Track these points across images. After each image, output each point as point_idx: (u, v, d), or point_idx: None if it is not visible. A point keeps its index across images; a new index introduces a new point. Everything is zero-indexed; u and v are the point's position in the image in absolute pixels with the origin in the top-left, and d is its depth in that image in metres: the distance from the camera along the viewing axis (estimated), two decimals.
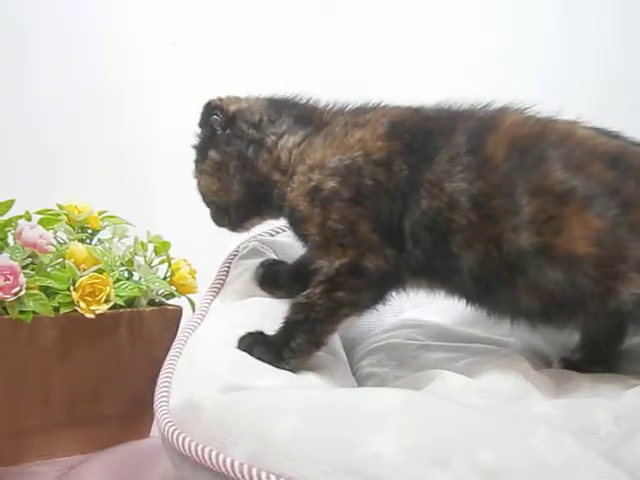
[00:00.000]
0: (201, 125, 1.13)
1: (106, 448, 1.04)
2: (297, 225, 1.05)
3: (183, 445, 0.77)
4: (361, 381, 1.08)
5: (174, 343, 0.98)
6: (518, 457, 0.66)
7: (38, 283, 1.03)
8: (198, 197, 1.14)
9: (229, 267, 1.18)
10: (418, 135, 1.01)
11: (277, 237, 1.27)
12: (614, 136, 1.02)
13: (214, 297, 1.12)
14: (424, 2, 1.90)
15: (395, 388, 0.91)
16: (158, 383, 0.89)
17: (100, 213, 1.25)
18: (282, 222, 1.27)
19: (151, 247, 1.21)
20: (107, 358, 1.10)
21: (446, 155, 0.98)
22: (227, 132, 1.09)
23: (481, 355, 1.07)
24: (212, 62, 1.78)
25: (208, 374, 0.87)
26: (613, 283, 0.93)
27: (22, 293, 0.99)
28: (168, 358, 0.95)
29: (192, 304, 1.21)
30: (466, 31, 1.87)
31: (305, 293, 0.98)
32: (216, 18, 1.82)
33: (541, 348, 1.17)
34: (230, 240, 1.22)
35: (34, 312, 1.02)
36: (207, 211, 1.15)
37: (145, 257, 1.18)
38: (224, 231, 1.15)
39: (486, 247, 0.95)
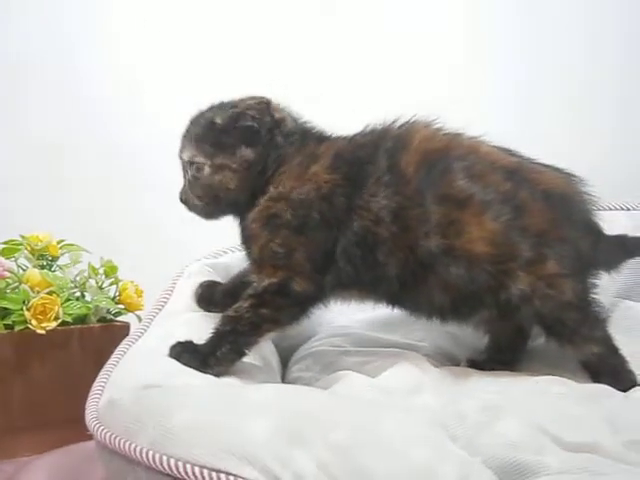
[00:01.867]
0: (241, 120, 1.11)
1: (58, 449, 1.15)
2: (245, 240, 1.14)
3: (103, 437, 0.89)
4: (289, 384, 1.19)
5: (113, 353, 1.10)
6: (366, 436, 0.78)
7: None
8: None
9: (174, 286, 1.30)
10: (354, 166, 1.10)
11: (220, 259, 1.38)
12: (513, 154, 1.15)
13: (157, 313, 1.23)
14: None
15: (275, 384, 1.02)
16: (92, 388, 1.00)
17: (59, 242, 1.38)
18: (224, 244, 1.40)
19: (102, 270, 1.35)
20: (60, 369, 1.23)
21: (373, 179, 1.09)
22: (268, 137, 1.12)
23: (390, 357, 1.18)
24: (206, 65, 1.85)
25: (133, 377, 0.98)
26: (504, 279, 1.07)
27: None
28: (105, 366, 1.06)
29: (140, 320, 1.34)
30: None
31: (235, 306, 1.07)
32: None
33: (451, 350, 1.28)
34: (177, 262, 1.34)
35: None
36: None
37: (96, 280, 1.31)
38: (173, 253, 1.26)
39: (405, 253, 1.08)
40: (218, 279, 1.31)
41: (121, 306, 1.34)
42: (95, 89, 1.80)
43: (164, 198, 1.62)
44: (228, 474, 0.75)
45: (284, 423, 0.80)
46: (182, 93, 1.75)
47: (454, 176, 1.08)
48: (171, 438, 0.81)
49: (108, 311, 1.34)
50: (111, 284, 1.37)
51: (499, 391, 1.04)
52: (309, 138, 1.15)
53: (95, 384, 1.02)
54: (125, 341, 1.13)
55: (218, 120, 1.11)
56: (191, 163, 1.12)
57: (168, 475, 0.79)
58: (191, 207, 1.14)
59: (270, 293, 1.07)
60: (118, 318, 1.36)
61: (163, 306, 1.25)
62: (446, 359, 1.25)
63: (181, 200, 1.15)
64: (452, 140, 1.13)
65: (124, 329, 1.33)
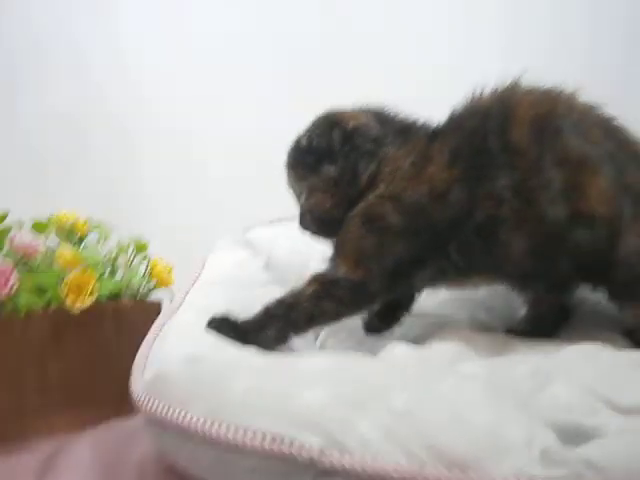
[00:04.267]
0: (315, 139, 1.13)
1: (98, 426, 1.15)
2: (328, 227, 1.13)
3: (154, 410, 0.87)
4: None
5: (152, 328, 1.09)
6: (427, 400, 0.78)
7: (30, 282, 1.16)
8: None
9: (205, 261, 1.29)
10: (470, 157, 1.07)
11: (249, 234, 1.38)
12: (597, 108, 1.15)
13: (191, 287, 1.23)
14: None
15: (326, 353, 1.01)
16: (135, 363, 0.99)
17: (86, 221, 1.37)
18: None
19: (132, 247, 1.34)
20: (95, 347, 1.22)
21: (490, 164, 1.07)
22: (345, 148, 1.10)
23: (430, 327, 1.19)
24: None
25: (177, 350, 0.97)
26: (615, 239, 1.06)
27: (15, 288, 1.12)
28: (145, 340, 1.05)
29: (173, 296, 1.33)
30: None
31: (295, 291, 1.04)
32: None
33: (488, 321, 1.28)
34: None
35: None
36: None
37: (126, 257, 1.30)
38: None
39: (532, 226, 1.06)
40: (247, 253, 1.30)
41: (153, 282, 1.33)
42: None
43: (190, 176, 1.64)
44: (292, 440, 0.73)
45: (342, 390, 0.79)
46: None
47: (566, 136, 1.07)
48: (228, 406, 0.80)
49: (139, 288, 1.32)
50: (141, 261, 1.35)
51: (546, 357, 1.03)
52: (413, 135, 1.12)
53: (138, 358, 1.01)
54: (162, 316, 1.13)
55: (303, 142, 1.14)
56: (294, 191, 1.16)
57: (226, 444, 0.77)
58: (311, 233, 1.16)
59: (342, 287, 1.04)
60: (149, 295, 1.35)
61: (196, 280, 1.25)
62: (485, 330, 1.24)
63: (302, 228, 1.16)
64: (553, 99, 1.11)
65: (156, 306, 1.32)
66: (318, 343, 1.24)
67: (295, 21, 1.92)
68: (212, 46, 1.87)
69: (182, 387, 0.87)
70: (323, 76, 1.82)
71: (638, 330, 1.12)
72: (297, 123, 1.13)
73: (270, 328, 1.01)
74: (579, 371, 0.96)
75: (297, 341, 1.08)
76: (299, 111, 1.12)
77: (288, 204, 1.42)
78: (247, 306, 1.14)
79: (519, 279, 1.14)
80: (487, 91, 1.13)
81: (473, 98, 1.14)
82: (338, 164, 1.10)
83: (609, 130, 1.13)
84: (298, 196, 1.16)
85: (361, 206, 1.08)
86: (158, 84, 1.84)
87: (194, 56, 1.88)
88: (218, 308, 1.10)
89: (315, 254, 1.34)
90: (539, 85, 1.13)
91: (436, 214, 1.06)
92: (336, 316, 1.08)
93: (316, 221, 1.13)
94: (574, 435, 0.82)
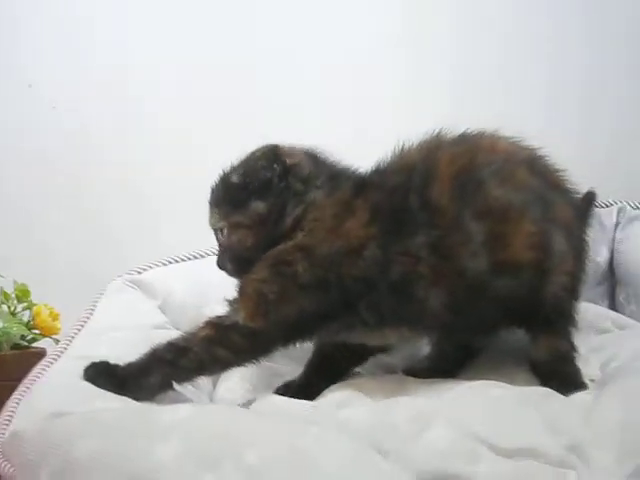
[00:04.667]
0: (251, 173, 1.07)
1: None
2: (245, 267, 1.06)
3: (6, 472, 0.82)
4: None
5: (25, 379, 1.02)
6: (281, 456, 0.72)
7: None
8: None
9: (95, 305, 1.23)
10: (390, 216, 1.04)
11: (143, 275, 1.32)
12: (520, 141, 1.14)
13: (77, 333, 1.16)
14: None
15: (191, 403, 0.95)
16: None
17: None
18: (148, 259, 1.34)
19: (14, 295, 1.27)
20: None
21: (409, 222, 1.04)
22: (281, 185, 1.06)
23: None
24: None
25: (43, 404, 0.90)
26: (545, 279, 1.06)
27: None
28: (14, 393, 0.98)
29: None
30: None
31: (187, 335, 1.00)
32: None
33: (388, 360, 1.23)
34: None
35: None
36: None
37: (8, 305, 1.24)
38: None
39: (451, 280, 1.02)
40: (141, 295, 1.25)
41: (36, 331, 1.26)
42: None
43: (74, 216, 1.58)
44: None
45: (196, 445, 0.74)
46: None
47: (487, 186, 1.05)
48: (73, 470, 0.75)
49: (22, 337, 1.26)
50: (24, 309, 1.29)
51: (432, 397, 1.00)
52: (341, 182, 1.09)
53: (2, 414, 0.94)
54: (40, 365, 1.06)
55: (234, 179, 1.07)
56: (215, 230, 1.09)
57: None
58: (228, 272, 1.08)
59: (237, 333, 0.99)
60: (34, 344, 1.28)
61: (83, 326, 1.19)
62: (383, 370, 1.20)
63: (219, 267, 1.09)
64: (473, 147, 1.09)
65: (39, 355, 1.25)
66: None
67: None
68: None
69: (32, 447, 0.81)
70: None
71: (545, 363, 1.10)
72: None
73: (154, 374, 0.95)
74: (462, 412, 0.92)
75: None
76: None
77: (183, 245, 1.39)
78: (138, 350, 1.09)
79: (439, 331, 1.11)
80: (414, 145, 1.11)
81: (400, 151, 1.11)
82: (269, 201, 1.05)
83: (534, 166, 1.11)
84: (218, 233, 1.10)
85: (275, 249, 1.03)
86: None
87: None
88: (104, 355, 1.02)
89: (212, 296, 1.30)
90: (465, 131, 1.12)
91: (348, 270, 1.01)
92: (228, 364, 1.02)
93: (235, 259, 1.07)
94: None
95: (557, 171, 1.15)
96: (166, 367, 0.96)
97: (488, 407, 0.94)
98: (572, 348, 1.11)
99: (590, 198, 1.32)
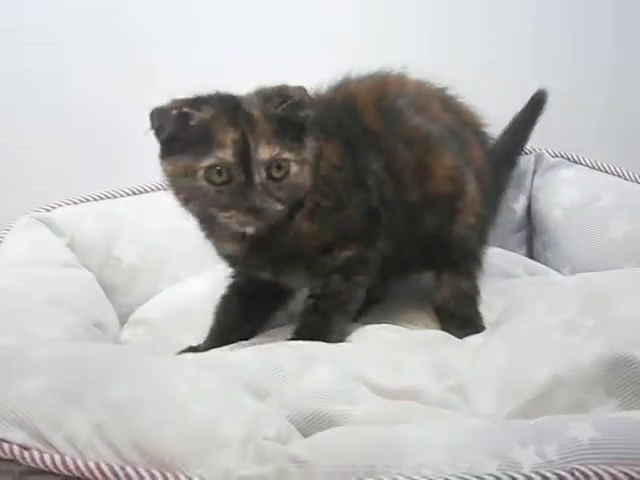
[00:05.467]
0: (301, 108, 0.96)
1: None
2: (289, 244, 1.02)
3: None
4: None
5: None
6: (147, 394, 0.72)
7: None
8: None
9: (1, 240, 1.21)
10: (348, 143, 1.04)
11: (52, 212, 1.29)
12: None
13: None
14: None
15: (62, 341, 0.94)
16: None
17: None
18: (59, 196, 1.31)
19: None
20: None
21: (361, 147, 1.04)
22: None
23: None
24: None
25: None
26: (455, 217, 1.08)
27: None
28: None
29: None
30: None
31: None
32: None
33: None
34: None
35: None
36: None
37: None
38: None
39: (398, 208, 1.04)
40: (49, 232, 1.23)
41: None
42: None
43: None
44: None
45: (61, 382, 0.73)
46: None
47: (406, 115, 1.05)
48: None
49: None
50: None
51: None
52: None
53: None
54: None
55: (287, 112, 0.94)
56: (274, 161, 0.92)
57: None
58: (266, 212, 0.91)
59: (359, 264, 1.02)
60: None
61: None
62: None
63: (256, 209, 0.90)
64: (383, 81, 1.09)
65: None
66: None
67: None
68: None
69: None
70: None
71: (446, 304, 1.11)
72: None
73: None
74: (351, 355, 0.93)
75: None
76: None
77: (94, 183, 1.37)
78: (47, 287, 1.08)
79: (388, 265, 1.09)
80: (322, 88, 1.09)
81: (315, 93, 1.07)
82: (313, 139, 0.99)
83: (446, 102, 1.12)
84: (257, 170, 0.92)
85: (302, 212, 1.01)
86: None
87: None
88: (16, 290, 1.04)
89: (122, 237, 1.29)
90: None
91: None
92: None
93: (292, 200, 0.96)
94: (319, 423, 0.78)
95: (469, 110, 1.15)
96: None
97: (378, 350, 0.95)
98: (475, 290, 1.12)
99: (540, 97, 1.32)
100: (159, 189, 1.34)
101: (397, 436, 0.68)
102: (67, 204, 1.31)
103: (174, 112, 0.91)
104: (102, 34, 1.54)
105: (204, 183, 0.91)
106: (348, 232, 1.01)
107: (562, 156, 1.44)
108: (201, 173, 0.90)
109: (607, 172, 1.39)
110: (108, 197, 1.34)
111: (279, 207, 0.92)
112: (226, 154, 0.90)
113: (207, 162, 0.90)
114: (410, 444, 0.66)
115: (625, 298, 0.90)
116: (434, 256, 1.10)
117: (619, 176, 1.37)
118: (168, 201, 1.23)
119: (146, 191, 1.39)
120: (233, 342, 1.05)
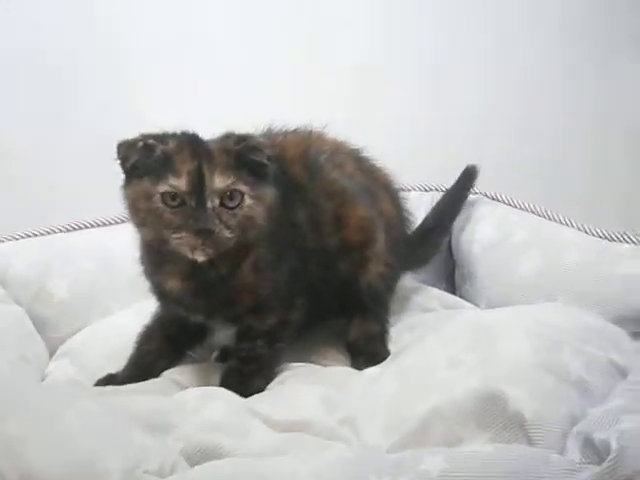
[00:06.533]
0: (266, 155, 1.02)
1: None
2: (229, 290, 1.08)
3: None
4: None
5: None
6: (38, 428, 0.77)
7: None
8: None
9: None
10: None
11: None
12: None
13: None
14: None
15: None
16: None
17: None
18: None
19: None
20: None
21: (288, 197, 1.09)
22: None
23: None
24: None
25: None
26: (366, 266, 1.16)
27: None
28: None
29: None
30: None
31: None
32: None
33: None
34: None
35: None
36: None
37: None
38: None
39: (317, 256, 1.12)
40: None
41: None
42: None
43: None
44: None
45: None
46: None
47: (326, 170, 1.13)
48: None
49: None
50: None
51: None
52: None
53: None
54: None
55: (254, 153, 1.00)
56: (228, 190, 0.97)
57: None
58: (216, 237, 0.96)
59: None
60: None
61: None
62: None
63: (205, 231, 0.95)
64: (306, 137, 1.18)
65: None
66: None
67: None
68: None
69: None
70: None
71: (355, 342, 1.18)
72: None
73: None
74: None
75: None
76: None
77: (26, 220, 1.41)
78: None
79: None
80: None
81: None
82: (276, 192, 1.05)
83: (359, 162, 1.22)
84: (209, 197, 0.97)
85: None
86: None
87: None
88: None
89: (54, 272, 1.33)
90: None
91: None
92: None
93: (240, 231, 0.99)
94: (211, 455, 0.83)
95: (381, 170, 1.26)
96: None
97: (274, 385, 1.00)
98: (383, 330, 1.20)
99: (470, 172, 1.44)
100: (92, 226, 1.40)
101: (269, 467, 0.74)
102: (0, 241, 1.35)
103: (140, 143, 0.98)
104: None
105: (160, 205, 0.96)
106: (278, 293, 1.07)
107: (481, 193, 1.51)
108: (157, 197, 0.96)
109: (521, 209, 1.45)
110: (42, 234, 1.38)
111: (228, 234, 0.97)
112: (180, 182, 0.96)
113: (162, 188, 0.96)
114: (279, 475, 0.72)
115: (508, 336, 0.96)
116: (346, 302, 1.17)
117: (532, 212, 1.43)
118: (99, 238, 1.32)
119: (79, 228, 1.43)
120: (149, 373, 1.11)
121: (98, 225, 1.46)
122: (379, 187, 1.23)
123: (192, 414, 0.90)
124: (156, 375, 1.12)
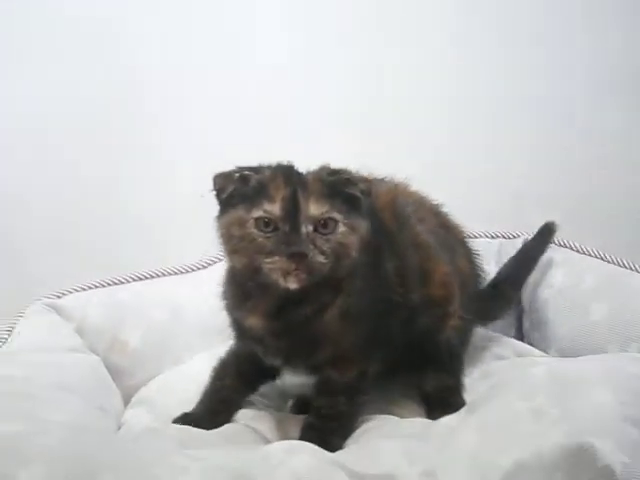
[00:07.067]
0: (349, 183, 1.02)
1: None
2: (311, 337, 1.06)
3: None
4: None
5: None
6: None
7: None
8: None
9: (13, 326, 1.27)
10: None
11: (62, 300, 1.37)
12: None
13: None
14: None
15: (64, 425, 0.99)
16: None
17: None
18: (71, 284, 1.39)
19: None
20: None
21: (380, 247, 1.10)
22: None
23: None
24: None
25: None
26: (445, 320, 1.16)
27: None
28: None
29: None
30: None
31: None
32: None
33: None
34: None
35: None
36: None
37: None
38: None
39: (402, 310, 1.11)
40: (59, 319, 1.30)
41: None
42: None
43: None
44: None
45: (58, 469, 0.79)
46: None
47: (412, 222, 1.14)
48: None
49: None
50: None
51: None
52: None
53: None
54: None
55: (349, 187, 1.01)
56: (322, 218, 0.98)
57: None
58: (310, 262, 0.95)
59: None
60: None
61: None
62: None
63: (298, 254, 0.95)
64: (393, 187, 1.19)
65: None
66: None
67: None
68: None
69: None
70: None
71: (431, 394, 1.19)
72: None
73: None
74: None
75: None
76: None
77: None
78: (55, 373, 1.14)
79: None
80: None
81: None
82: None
83: (438, 217, 1.23)
84: (304, 224, 0.97)
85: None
86: None
87: None
88: (23, 376, 1.08)
89: (127, 321, 1.36)
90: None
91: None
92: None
93: (335, 258, 0.98)
94: None
95: (457, 226, 1.27)
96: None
97: (355, 436, 1.01)
98: (458, 383, 1.20)
99: (549, 228, 1.44)
100: (163, 275, 1.43)
101: None
102: (76, 290, 1.38)
103: (237, 175, 1.00)
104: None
105: (254, 230, 0.97)
106: (361, 345, 1.05)
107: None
108: (251, 222, 0.97)
109: (590, 255, 1.44)
110: (115, 283, 1.42)
111: (323, 259, 0.96)
112: (274, 207, 0.97)
113: (256, 214, 0.97)
114: None
115: (590, 387, 0.94)
116: (421, 354, 1.16)
117: (602, 259, 1.42)
118: (170, 286, 1.34)
119: (151, 277, 1.46)
120: (223, 409, 1.14)
121: (169, 274, 1.48)
122: (456, 243, 1.24)
123: (277, 467, 0.90)
124: (230, 412, 1.15)
